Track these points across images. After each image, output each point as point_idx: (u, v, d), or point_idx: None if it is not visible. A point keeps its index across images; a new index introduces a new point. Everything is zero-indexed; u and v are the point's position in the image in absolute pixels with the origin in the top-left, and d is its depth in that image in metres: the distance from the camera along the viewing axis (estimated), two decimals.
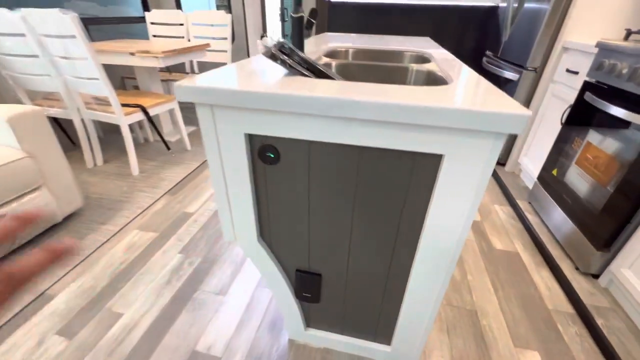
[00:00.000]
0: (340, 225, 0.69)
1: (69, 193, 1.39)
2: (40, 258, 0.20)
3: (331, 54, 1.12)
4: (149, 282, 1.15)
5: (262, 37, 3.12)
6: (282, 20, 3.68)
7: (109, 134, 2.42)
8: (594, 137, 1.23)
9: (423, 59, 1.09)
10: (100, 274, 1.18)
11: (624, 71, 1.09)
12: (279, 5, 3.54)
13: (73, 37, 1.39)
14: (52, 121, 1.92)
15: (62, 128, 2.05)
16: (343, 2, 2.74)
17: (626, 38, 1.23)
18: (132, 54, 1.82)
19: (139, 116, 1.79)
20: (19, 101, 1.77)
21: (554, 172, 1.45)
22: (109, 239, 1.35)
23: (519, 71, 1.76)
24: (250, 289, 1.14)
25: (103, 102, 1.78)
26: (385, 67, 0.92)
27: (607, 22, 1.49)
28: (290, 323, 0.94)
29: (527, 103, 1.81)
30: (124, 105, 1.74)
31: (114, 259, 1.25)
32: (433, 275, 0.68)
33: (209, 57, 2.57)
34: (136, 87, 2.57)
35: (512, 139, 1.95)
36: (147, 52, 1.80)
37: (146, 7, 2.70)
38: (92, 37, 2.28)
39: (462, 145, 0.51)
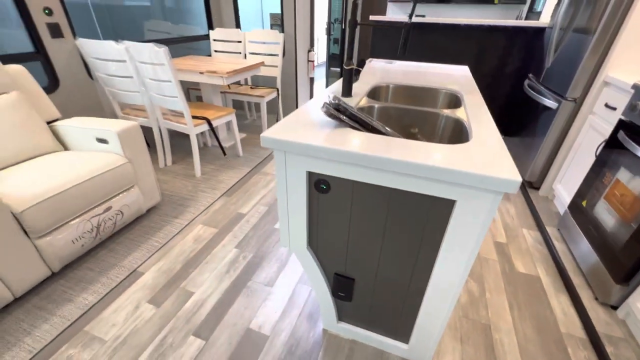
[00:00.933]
0: (372, 243, 0.88)
1: (152, 190, 1.73)
2: None
3: (373, 93, 1.31)
4: (212, 269, 1.43)
5: (309, 51, 3.36)
6: (328, 34, 3.91)
7: (174, 138, 2.81)
8: (623, 175, 1.28)
9: (455, 100, 1.24)
10: (176, 258, 1.48)
11: None
12: (326, 20, 3.76)
13: (162, 64, 1.71)
14: None
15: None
16: (387, 21, 2.89)
17: None
18: (201, 72, 2.15)
19: (204, 127, 2.11)
20: (113, 111, 2.17)
21: (584, 202, 1.50)
22: (180, 231, 1.66)
23: (559, 100, 1.80)
24: (293, 283, 1.37)
25: (177, 114, 2.12)
26: (419, 112, 1.09)
27: None
28: (325, 315, 1.14)
29: (564, 132, 1.84)
30: (193, 117, 2.07)
31: (185, 248, 1.55)
32: (443, 296, 0.85)
33: (262, 71, 2.86)
34: (199, 98, 2.94)
35: (548, 164, 1.98)
36: (214, 72, 2.11)
37: (211, 26, 3.06)
38: None
39: (470, 195, 0.68)
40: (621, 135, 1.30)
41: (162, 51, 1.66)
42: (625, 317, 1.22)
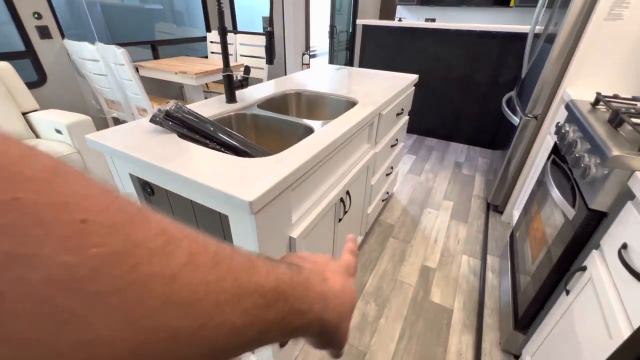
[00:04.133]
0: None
1: (107, 181, 1.88)
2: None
3: (275, 100, 1.29)
4: None
5: (303, 54, 3.38)
6: (331, 37, 3.88)
7: None
8: (546, 207, 1.11)
9: (351, 105, 1.18)
10: None
11: (568, 148, 0.98)
12: (328, 22, 3.74)
13: (122, 65, 1.86)
14: (116, 120, 2.53)
15: None
16: (376, 26, 2.80)
17: (594, 104, 1.05)
18: (176, 73, 2.28)
19: None
20: (95, 106, 2.40)
21: (517, 234, 1.33)
22: None
23: (521, 116, 1.61)
24: None
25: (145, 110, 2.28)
26: (284, 120, 1.06)
27: (622, 73, 1.28)
28: None
29: (526, 152, 1.64)
30: None
31: None
32: None
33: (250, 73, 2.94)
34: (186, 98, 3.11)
35: (511, 186, 1.77)
36: (185, 72, 2.23)
37: (208, 28, 3.22)
38: (159, 54, 2.86)
39: (233, 211, 0.65)
40: (552, 161, 1.13)
41: (120, 52, 1.80)
42: None
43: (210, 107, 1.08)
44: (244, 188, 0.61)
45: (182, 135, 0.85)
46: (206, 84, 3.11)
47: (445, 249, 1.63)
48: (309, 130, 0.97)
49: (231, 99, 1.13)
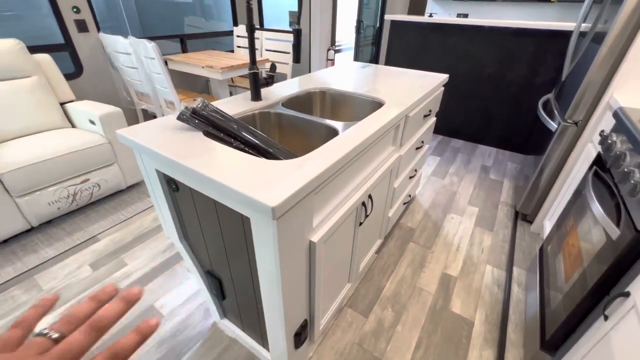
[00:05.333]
0: (219, 248, 0.89)
1: (134, 170, 1.95)
2: (135, 340, 0.25)
3: (299, 98, 1.27)
4: (153, 248, 1.58)
5: (328, 50, 3.34)
6: (357, 32, 3.81)
7: None
8: (583, 222, 1.04)
9: (378, 106, 1.14)
10: (130, 232, 1.67)
11: (615, 160, 0.90)
12: (355, 18, 3.67)
13: (152, 58, 1.91)
14: (144, 112, 2.61)
15: (152, 117, 2.76)
16: (405, 21, 2.71)
17: None
18: (203, 67, 2.32)
19: None
20: (126, 97, 2.48)
21: (549, 247, 1.25)
22: (146, 209, 1.85)
23: (559, 122, 1.51)
24: None
25: (172, 104, 2.34)
26: (308, 120, 1.04)
27: None
28: (212, 308, 1.19)
29: (563, 160, 1.53)
30: None
31: (142, 225, 1.73)
32: (271, 308, 0.82)
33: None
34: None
35: (543, 195, 1.67)
36: (211, 66, 2.26)
37: (235, 23, 3.24)
38: (187, 48, 2.92)
39: (254, 214, 0.65)
40: (593, 173, 1.05)
41: (150, 46, 1.85)
42: None
43: (235, 105, 1.08)
44: (267, 192, 0.60)
45: (208, 134, 0.86)
46: (231, 78, 3.15)
47: (468, 257, 1.57)
48: (334, 132, 0.95)
49: (256, 96, 1.12)
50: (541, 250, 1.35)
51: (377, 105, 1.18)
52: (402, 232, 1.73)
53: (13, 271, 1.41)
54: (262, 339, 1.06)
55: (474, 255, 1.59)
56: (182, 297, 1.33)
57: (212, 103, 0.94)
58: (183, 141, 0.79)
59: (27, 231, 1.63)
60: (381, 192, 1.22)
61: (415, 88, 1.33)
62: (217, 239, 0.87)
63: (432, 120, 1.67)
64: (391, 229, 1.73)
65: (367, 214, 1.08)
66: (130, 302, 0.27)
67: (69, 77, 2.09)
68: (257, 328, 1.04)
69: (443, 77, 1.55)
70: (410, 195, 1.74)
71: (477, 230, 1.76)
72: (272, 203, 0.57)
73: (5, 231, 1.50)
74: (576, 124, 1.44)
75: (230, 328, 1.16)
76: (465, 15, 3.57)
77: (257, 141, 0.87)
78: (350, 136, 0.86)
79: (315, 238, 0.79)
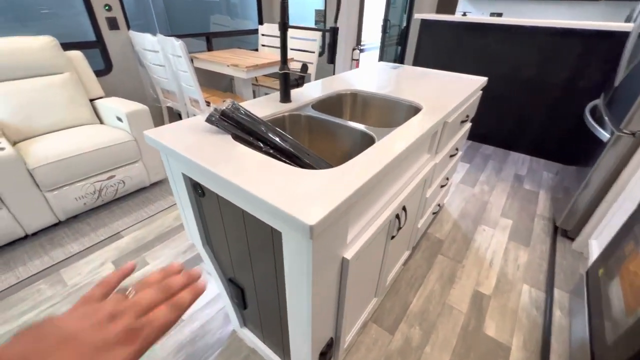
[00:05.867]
0: (244, 256, 0.85)
1: (158, 167, 1.96)
2: (191, 296, 0.30)
3: (330, 100, 1.21)
4: (174, 247, 1.56)
5: (353, 49, 3.26)
6: (384, 31, 3.70)
7: None
8: None
9: (414, 110, 1.06)
10: (152, 230, 1.67)
11: None
12: (382, 17, 3.56)
13: (179, 56, 1.90)
14: (169, 110, 2.63)
15: (177, 115, 2.78)
16: (436, 20, 2.59)
17: None
18: (228, 65, 2.31)
19: None
20: (153, 95, 2.51)
21: (600, 271, 1.13)
22: (169, 207, 1.85)
23: (613, 131, 1.37)
24: None
25: (196, 102, 2.34)
26: (339, 125, 0.98)
27: None
28: (232, 316, 1.15)
29: (615, 174, 1.39)
30: (210, 105, 2.25)
31: (165, 223, 1.73)
32: (299, 322, 0.77)
33: (298, 66, 2.90)
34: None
35: (589, 212, 1.53)
36: (236, 65, 2.24)
37: (261, 21, 3.22)
38: (213, 46, 2.92)
39: (287, 229, 0.59)
40: None
41: (178, 44, 1.84)
42: None
43: (264, 106, 1.04)
44: (304, 207, 0.54)
45: (236, 137, 0.81)
46: (255, 77, 3.13)
47: (502, 274, 1.46)
48: (369, 139, 0.88)
49: (285, 98, 1.07)
50: (588, 272, 1.22)
51: (413, 110, 1.10)
52: (430, 243, 1.63)
53: (40, 264, 1.43)
54: (284, 354, 1.01)
55: (509, 272, 1.48)
56: (202, 300, 1.30)
57: (241, 104, 0.90)
58: (212, 144, 0.75)
59: (55, 225, 1.66)
60: (414, 202, 1.14)
61: (452, 91, 1.24)
62: (243, 248, 0.82)
63: (468, 126, 1.57)
64: (419, 240, 1.64)
65: (400, 226, 1.00)
66: (193, 278, 0.33)
67: (98, 73, 2.13)
68: (279, 341, 0.99)
69: (482, 80, 1.44)
70: (439, 205, 1.65)
71: (512, 244, 1.64)
72: (310, 221, 0.51)
73: (35, 224, 1.52)
74: (633, 134, 1.30)
75: (250, 338, 1.12)
76: (499, 14, 3.39)
77: (288, 147, 0.82)
78: (389, 145, 0.79)
79: (348, 255, 0.72)
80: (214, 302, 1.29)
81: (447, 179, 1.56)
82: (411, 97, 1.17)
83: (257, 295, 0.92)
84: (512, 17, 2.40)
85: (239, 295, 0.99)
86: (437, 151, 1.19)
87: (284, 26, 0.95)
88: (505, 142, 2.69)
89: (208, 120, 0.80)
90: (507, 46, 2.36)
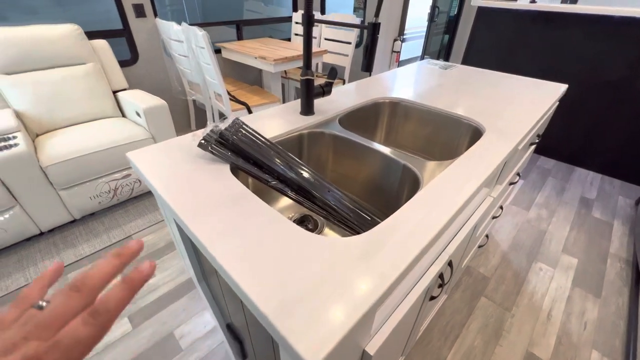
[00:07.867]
0: (241, 322, 0.68)
1: None
2: (124, 295, 0.23)
3: (362, 111, 0.98)
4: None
5: (395, 40, 2.94)
6: (430, 20, 3.31)
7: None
8: None
9: (472, 132, 0.81)
10: (163, 237, 1.58)
11: None
12: (430, 4, 3.18)
13: (202, 48, 1.75)
14: (194, 103, 2.53)
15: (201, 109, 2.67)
16: (498, 9, 2.20)
17: None
18: (255, 57, 2.13)
19: (244, 112, 2.12)
20: (177, 87, 2.41)
21: None
22: None
23: None
24: None
25: (220, 96, 2.20)
26: (372, 151, 0.75)
27: None
28: (231, 357, 1.00)
29: None
30: (235, 100, 2.10)
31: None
32: None
33: (331, 59, 2.66)
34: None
35: None
36: (264, 57, 2.06)
37: (295, 8, 2.99)
38: (243, 35, 2.75)
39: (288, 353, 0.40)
40: None
41: (201, 35, 1.69)
42: None
43: (280, 120, 0.84)
44: (312, 327, 0.34)
45: (237, 166, 0.63)
46: (285, 71, 2.94)
47: (563, 332, 1.18)
48: (413, 178, 0.66)
49: (308, 110, 0.86)
50: None
51: (473, 131, 0.84)
52: (472, 280, 1.37)
53: (50, 265, 1.38)
54: None
55: (573, 331, 1.19)
56: (204, 327, 1.17)
57: (247, 122, 0.71)
58: (203, 182, 0.57)
59: (71, 222, 1.62)
60: (461, 249, 0.90)
61: (525, 105, 0.96)
62: (240, 320, 0.65)
63: (534, 145, 1.26)
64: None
65: (443, 284, 0.78)
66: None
67: (124, 63, 2.06)
68: None
69: (562, 89, 1.13)
70: (487, 236, 1.37)
71: (577, 292, 1.33)
72: (314, 356, 0.31)
73: (49, 222, 1.49)
74: None
75: None
76: (574, 1, 2.86)
77: (304, 184, 0.62)
78: (440, 192, 0.56)
79: (371, 349, 0.52)
80: (215, 332, 1.16)
81: (501, 208, 1.28)
82: (469, 111, 0.91)
83: (256, 354, 0.75)
84: (588, 5, 1.96)
85: (238, 348, 0.83)
86: (497, 182, 0.93)
87: (309, 19, 0.73)
88: (570, 156, 2.27)
89: (201, 145, 0.63)
90: (586, 41, 1.94)
